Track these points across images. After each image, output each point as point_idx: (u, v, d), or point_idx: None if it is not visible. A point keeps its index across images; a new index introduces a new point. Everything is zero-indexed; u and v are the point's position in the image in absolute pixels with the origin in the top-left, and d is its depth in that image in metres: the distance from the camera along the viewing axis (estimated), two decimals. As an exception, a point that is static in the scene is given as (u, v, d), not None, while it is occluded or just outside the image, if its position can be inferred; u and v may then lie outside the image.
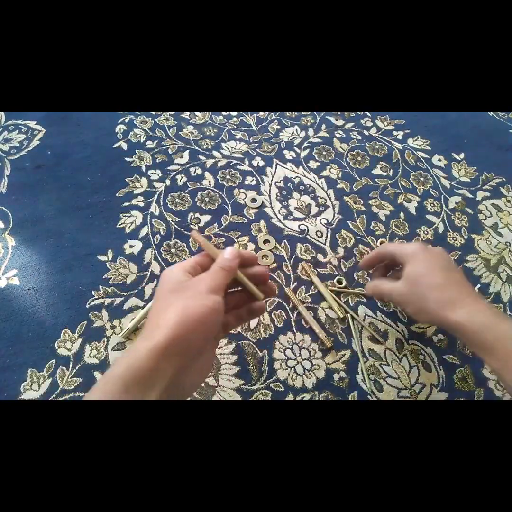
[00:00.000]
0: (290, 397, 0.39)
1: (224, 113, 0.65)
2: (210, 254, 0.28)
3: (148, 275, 0.46)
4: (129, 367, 0.21)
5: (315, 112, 0.67)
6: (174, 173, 0.56)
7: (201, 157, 0.58)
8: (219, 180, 0.55)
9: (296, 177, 0.57)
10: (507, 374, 0.29)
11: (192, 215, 0.51)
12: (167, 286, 0.25)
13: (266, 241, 0.50)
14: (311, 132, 0.63)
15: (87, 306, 0.43)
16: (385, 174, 0.59)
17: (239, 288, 0.29)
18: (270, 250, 0.49)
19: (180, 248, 0.48)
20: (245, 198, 0.54)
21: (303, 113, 0.66)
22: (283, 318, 0.44)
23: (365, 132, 0.65)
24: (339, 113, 0.67)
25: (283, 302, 0.45)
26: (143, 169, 0.56)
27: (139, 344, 0.22)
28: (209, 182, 0.55)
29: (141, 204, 0.52)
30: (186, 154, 0.58)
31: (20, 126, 0.60)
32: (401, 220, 0.54)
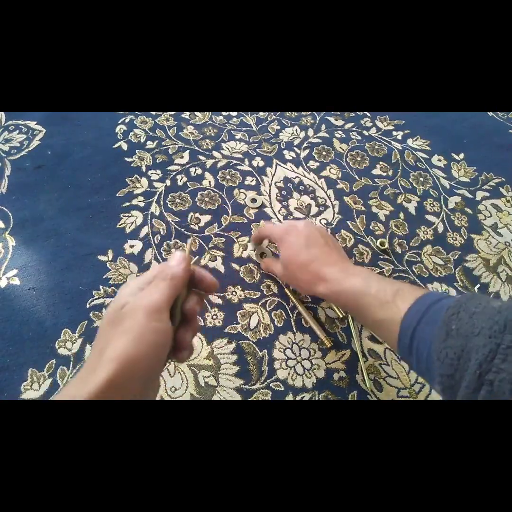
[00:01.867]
0: (290, 397, 0.39)
1: (224, 113, 0.65)
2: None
3: (148, 275, 0.46)
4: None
5: (315, 112, 0.67)
6: (174, 173, 0.56)
7: (201, 157, 0.58)
8: (219, 180, 0.55)
9: (296, 177, 0.57)
10: (368, 324, 0.35)
11: (192, 215, 0.51)
12: (107, 315, 0.23)
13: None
14: (311, 132, 0.64)
15: (88, 306, 0.43)
16: (384, 174, 0.59)
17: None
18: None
19: (180, 248, 0.48)
20: (245, 198, 0.54)
21: (303, 113, 0.66)
22: (283, 318, 0.44)
23: (365, 132, 0.65)
24: (339, 113, 0.67)
25: (283, 302, 0.45)
26: (143, 169, 0.56)
27: (74, 387, 0.21)
28: (209, 182, 0.55)
29: (142, 204, 0.52)
30: (186, 154, 0.58)
31: (20, 126, 0.60)
32: (401, 220, 0.54)
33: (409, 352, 0.28)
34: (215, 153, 0.59)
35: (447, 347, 0.24)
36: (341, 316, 0.44)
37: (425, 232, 0.53)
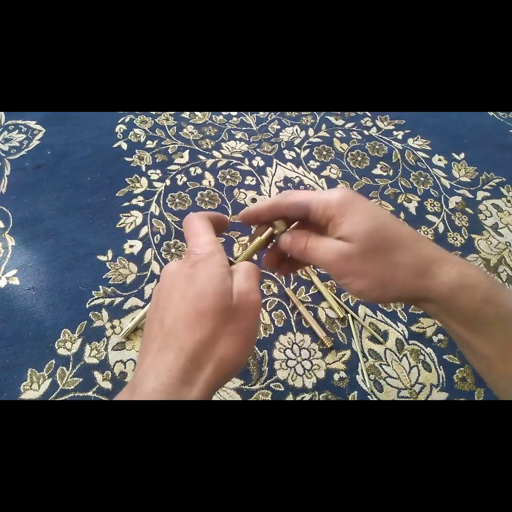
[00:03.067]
0: (290, 397, 0.39)
1: (224, 113, 0.65)
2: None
3: (148, 275, 0.46)
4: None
5: (315, 112, 0.67)
6: (174, 173, 0.56)
7: (201, 157, 0.58)
8: (219, 180, 0.55)
9: (296, 177, 0.57)
10: (502, 363, 0.21)
11: (192, 215, 0.51)
12: (220, 303, 0.20)
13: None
14: (311, 132, 0.63)
15: (87, 306, 0.43)
16: (385, 174, 0.59)
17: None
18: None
19: (180, 248, 0.48)
20: (245, 198, 0.54)
21: (303, 113, 0.66)
22: (283, 318, 0.44)
23: (365, 132, 0.64)
24: (339, 113, 0.67)
25: (283, 302, 0.45)
26: (143, 169, 0.56)
27: (179, 390, 0.19)
28: (209, 182, 0.55)
29: (141, 204, 0.52)
30: (186, 154, 0.58)
31: (20, 126, 0.60)
32: (401, 220, 0.54)
33: None
34: (215, 153, 0.59)
35: None
36: (341, 316, 0.44)
37: (425, 232, 0.53)
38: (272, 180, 0.56)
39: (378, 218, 0.22)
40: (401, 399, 0.40)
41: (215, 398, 0.39)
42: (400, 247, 0.22)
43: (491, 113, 0.70)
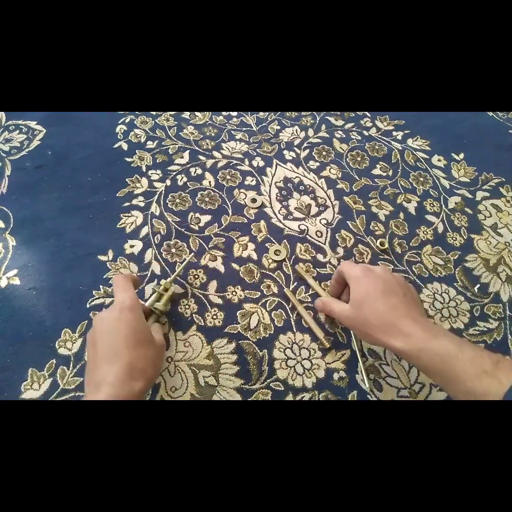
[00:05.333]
0: (290, 397, 0.39)
1: (224, 113, 0.65)
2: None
3: (149, 275, 0.46)
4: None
5: (315, 113, 0.67)
6: (174, 173, 0.56)
7: (201, 157, 0.58)
8: (219, 180, 0.55)
9: (296, 177, 0.57)
10: (454, 391, 0.29)
11: (192, 215, 0.52)
12: (139, 334, 0.33)
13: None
14: (311, 132, 0.64)
15: (88, 305, 0.43)
16: (384, 174, 0.59)
17: None
18: (277, 254, 0.49)
19: (180, 248, 0.49)
20: (245, 198, 0.54)
21: (303, 113, 0.66)
22: (283, 318, 0.44)
23: (365, 132, 0.65)
24: (339, 113, 0.67)
25: (283, 302, 0.45)
26: (144, 169, 0.56)
27: (131, 385, 0.29)
28: (209, 182, 0.55)
29: (142, 204, 0.52)
30: (186, 154, 0.58)
31: (20, 126, 0.60)
32: (401, 220, 0.54)
33: None
34: (215, 153, 0.59)
35: None
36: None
37: (425, 232, 0.53)
38: (272, 180, 0.56)
39: (370, 292, 0.35)
40: (400, 398, 0.40)
41: (215, 398, 0.39)
42: (377, 314, 0.34)
43: (490, 113, 0.70)
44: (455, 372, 0.28)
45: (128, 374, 0.30)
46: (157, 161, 0.57)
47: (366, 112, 0.68)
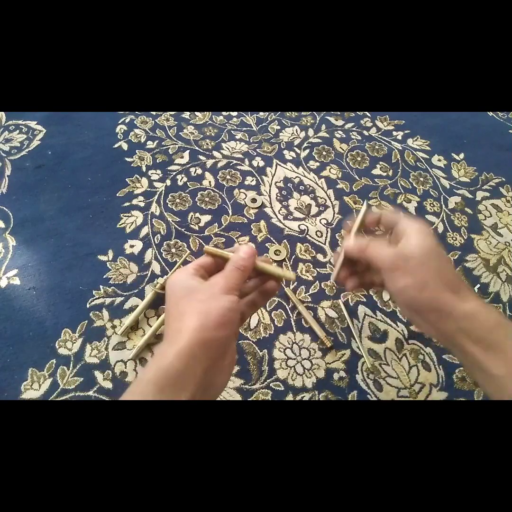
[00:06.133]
0: (290, 397, 0.39)
1: (224, 113, 0.65)
2: (216, 256, 0.27)
3: (149, 275, 0.46)
4: (159, 370, 0.21)
5: (315, 113, 0.67)
6: (174, 173, 0.56)
7: (201, 157, 0.58)
8: (219, 180, 0.55)
9: (296, 177, 0.57)
10: (510, 382, 0.24)
11: (192, 215, 0.51)
12: (178, 293, 0.25)
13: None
14: (311, 132, 0.64)
15: (88, 305, 0.43)
16: (384, 174, 0.59)
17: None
18: (277, 254, 0.49)
19: (180, 248, 0.49)
20: (245, 198, 0.54)
21: (303, 113, 0.66)
22: (283, 317, 0.44)
23: (365, 132, 0.65)
24: (339, 113, 0.67)
25: (283, 302, 0.45)
26: (144, 169, 0.56)
27: (165, 349, 0.22)
28: (209, 182, 0.55)
29: (142, 204, 0.52)
30: (186, 154, 0.58)
31: (20, 126, 0.60)
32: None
33: None
34: (215, 153, 0.59)
35: None
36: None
37: (425, 232, 0.53)
38: (272, 180, 0.56)
39: (432, 245, 0.28)
40: (401, 398, 0.40)
41: (215, 397, 0.39)
42: (447, 265, 0.28)
43: (490, 113, 0.70)
44: None
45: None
46: (157, 161, 0.57)
47: (366, 112, 0.68)
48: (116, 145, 0.58)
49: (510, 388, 0.24)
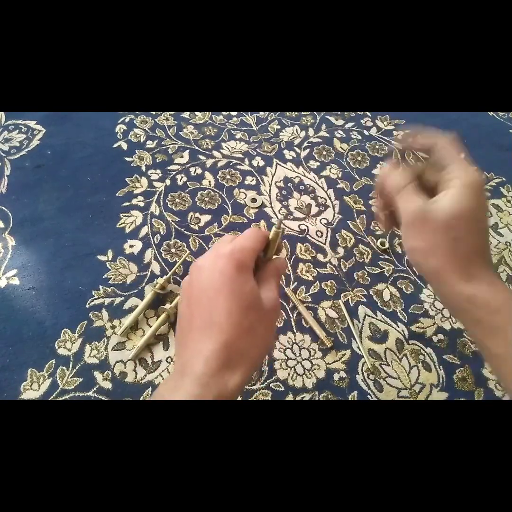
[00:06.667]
0: (290, 397, 0.39)
1: (224, 113, 0.65)
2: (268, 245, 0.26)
3: (148, 275, 0.46)
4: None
5: (315, 112, 0.67)
6: (174, 173, 0.56)
7: (201, 157, 0.58)
8: (219, 180, 0.55)
9: (296, 177, 0.57)
10: (510, 362, 0.23)
11: (192, 215, 0.51)
12: (245, 302, 0.23)
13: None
14: (311, 132, 0.63)
15: (87, 306, 0.43)
16: (385, 174, 0.59)
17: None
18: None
19: (180, 248, 0.48)
20: (245, 198, 0.54)
21: (303, 113, 0.66)
22: (283, 318, 0.44)
23: (365, 132, 0.64)
24: (339, 112, 0.67)
25: (283, 302, 0.45)
26: (143, 169, 0.56)
27: (224, 380, 0.22)
28: (209, 182, 0.55)
29: (141, 204, 0.52)
30: (186, 154, 0.58)
31: (20, 126, 0.60)
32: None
33: None
34: (215, 153, 0.59)
35: None
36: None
37: (425, 232, 0.53)
38: (272, 180, 0.56)
39: (472, 206, 0.25)
40: (401, 399, 0.40)
41: (215, 398, 0.39)
42: (470, 237, 0.24)
43: (491, 113, 0.70)
44: None
45: (222, 361, 0.22)
46: (157, 160, 0.57)
47: (367, 112, 0.68)
48: (115, 145, 0.58)
49: (509, 366, 0.23)
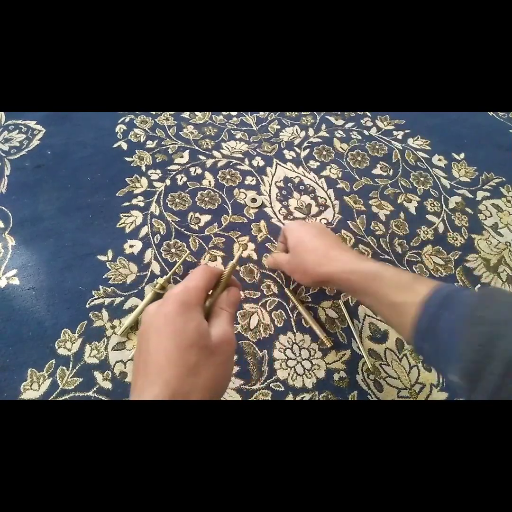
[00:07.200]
0: (290, 397, 0.39)
1: (224, 113, 0.65)
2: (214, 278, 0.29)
3: (148, 275, 0.46)
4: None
5: (315, 112, 0.67)
6: (174, 173, 0.56)
7: (201, 157, 0.58)
8: (219, 180, 0.55)
9: (296, 177, 0.57)
10: (380, 306, 0.32)
11: (192, 215, 0.51)
12: (201, 340, 0.24)
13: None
14: (311, 132, 0.63)
15: (87, 306, 0.43)
16: (385, 174, 0.59)
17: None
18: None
19: (180, 248, 0.48)
20: (245, 198, 0.54)
21: (303, 113, 0.66)
22: (283, 318, 0.44)
23: (365, 132, 0.64)
24: (339, 112, 0.67)
25: (283, 302, 0.45)
26: (143, 169, 0.56)
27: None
28: (209, 182, 0.55)
29: (141, 204, 0.52)
30: (186, 154, 0.58)
31: (20, 126, 0.60)
32: (401, 220, 0.54)
33: (424, 336, 0.27)
34: (215, 153, 0.59)
35: (474, 333, 0.23)
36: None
37: (425, 232, 0.53)
38: (272, 180, 0.56)
39: (304, 235, 0.39)
40: (401, 399, 0.40)
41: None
42: (310, 250, 0.37)
43: (491, 113, 0.70)
44: (379, 288, 0.31)
45: (173, 397, 0.22)
46: (157, 160, 0.57)
47: (367, 112, 0.68)
48: (115, 145, 0.58)
49: (382, 311, 0.32)
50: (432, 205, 0.56)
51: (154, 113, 0.63)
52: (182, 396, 0.22)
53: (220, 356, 0.25)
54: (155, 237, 0.49)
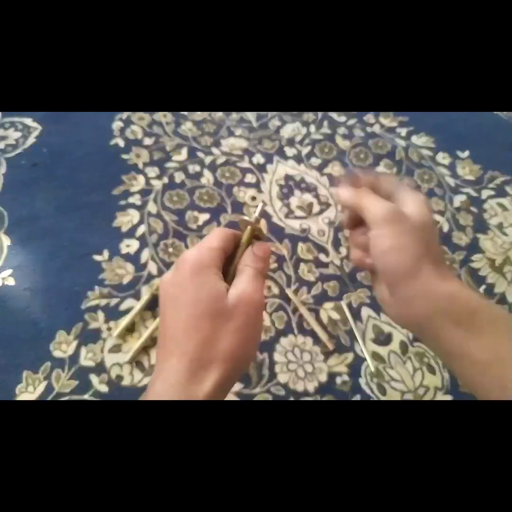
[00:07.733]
0: (290, 401, 0.38)
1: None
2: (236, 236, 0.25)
3: (145, 275, 0.45)
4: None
5: (316, 109, 0.66)
6: (172, 170, 0.54)
7: (199, 154, 0.57)
8: (218, 178, 0.54)
9: (298, 174, 0.56)
10: (497, 367, 0.22)
11: (190, 214, 0.50)
12: (214, 305, 0.22)
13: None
14: (313, 128, 0.62)
15: (83, 307, 0.42)
16: (388, 171, 0.58)
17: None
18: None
19: (178, 248, 0.47)
20: (244, 196, 0.53)
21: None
22: (284, 320, 0.43)
23: (368, 129, 0.63)
24: (341, 109, 0.66)
25: (284, 304, 0.44)
26: (140, 166, 0.54)
27: (186, 390, 0.21)
28: (208, 179, 0.54)
29: (138, 203, 0.51)
30: (184, 151, 0.57)
31: (16, 124, 0.59)
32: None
33: None
34: (214, 150, 0.57)
35: None
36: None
37: (429, 231, 0.52)
38: (272, 177, 0.55)
39: (430, 216, 0.26)
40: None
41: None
42: (436, 242, 0.26)
43: (494, 112, 0.69)
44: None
45: (184, 375, 0.21)
46: (154, 158, 0.56)
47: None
48: (112, 142, 0.57)
49: (494, 374, 0.22)
50: (436, 203, 0.55)
51: (152, 109, 0.62)
52: (201, 367, 0.21)
53: (238, 319, 0.22)
54: (152, 236, 0.48)
